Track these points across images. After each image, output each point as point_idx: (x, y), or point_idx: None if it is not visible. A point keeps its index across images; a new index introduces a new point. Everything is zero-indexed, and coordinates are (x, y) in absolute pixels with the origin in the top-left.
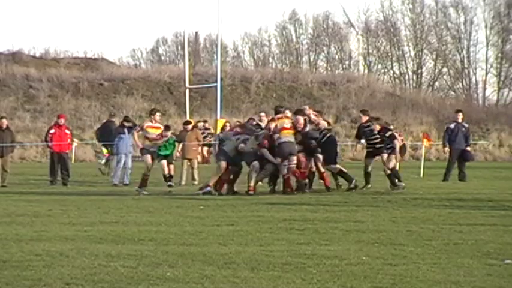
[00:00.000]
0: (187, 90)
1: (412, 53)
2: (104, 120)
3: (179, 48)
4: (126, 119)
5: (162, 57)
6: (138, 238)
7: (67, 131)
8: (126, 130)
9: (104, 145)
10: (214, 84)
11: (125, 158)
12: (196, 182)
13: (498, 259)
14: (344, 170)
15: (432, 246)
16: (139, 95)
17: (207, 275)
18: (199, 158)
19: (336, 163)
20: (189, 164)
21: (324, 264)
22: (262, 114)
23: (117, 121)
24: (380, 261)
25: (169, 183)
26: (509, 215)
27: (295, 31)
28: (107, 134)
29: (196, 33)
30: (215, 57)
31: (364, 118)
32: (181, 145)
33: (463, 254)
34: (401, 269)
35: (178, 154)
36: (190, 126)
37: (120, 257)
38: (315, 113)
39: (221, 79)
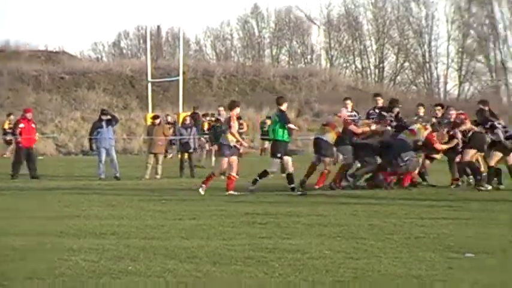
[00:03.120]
0: (149, 84)
1: (374, 47)
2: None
3: (141, 41)
4: (103, 112)
5: (124, 51)
6: (99, 232)
7: (33, 125)
8: (104, 124)
9: None
10: (177, 78)
11: (106, 152)
12: (158, 177)
13: (459, 252)
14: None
15: (394, 240)
16: (101, 88)
17: (169, 269)
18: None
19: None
20: (154, 158)
21: (286, 258)
22: (221, 108)
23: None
24: (342, 255)
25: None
26: (470, 209)
27: (257, 25)
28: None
29: (158, 26)
30: (177, 50)
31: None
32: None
33: (424, 248)
34: (363, 263)
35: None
36: (158, 121)
37: (81, 251)
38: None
39: (183, 73)
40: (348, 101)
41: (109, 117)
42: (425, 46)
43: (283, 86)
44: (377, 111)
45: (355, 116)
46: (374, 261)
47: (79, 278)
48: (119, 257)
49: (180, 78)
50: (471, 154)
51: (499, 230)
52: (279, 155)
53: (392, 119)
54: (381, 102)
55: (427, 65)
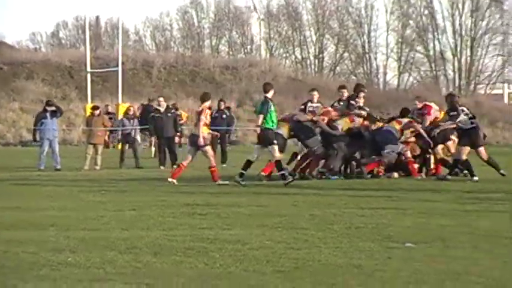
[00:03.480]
0: (88, 75)
1: (314, 38)
2: (145, 103)
3: (80, 32)
4: (48, 103)
5: (63, 41)
6: (39, 223)
7: None
8: (48, 115)
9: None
10: (116, 69)
11: (49, 144)
12: (98, 167)
13: (399, 242)
14: None
15: (334, 230)
16: (40, 79)
17: (108, 260)
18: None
19: None
20: (94, 149)
21: (227, 249)
22: (161, 98)
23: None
24: (282, 245)
25: None
26: (410, 199)
27: (197, 15)
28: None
29: (97, 17)
30: (116, 41)
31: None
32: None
33: (364, 238)
34: (304, 253)
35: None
36: (97, 112)
37: (21, 243)
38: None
39: (122, 63)
40: (315, 92)
41: (54, 108)
42: (365, 36)
43: (223, 77)
44: (341, 103)
45: (320, 107)
46: (314, 251)
47: (19, 270)
48: (58, 248)
49: (119, 68)
50: (466, 151)
51: (438, 219)
52: (275, 141)
53: (361, 105)
54: (346, 94)
55: (367, 56)
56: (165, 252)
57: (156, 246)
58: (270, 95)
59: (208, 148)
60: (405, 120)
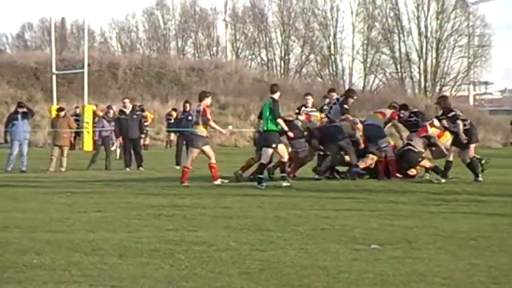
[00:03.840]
0: (54, 76)
1: (280, 40)
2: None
3: (45, 33)
4: (20, 104)
5: (28, 43)
6: (3, 225)
7: None
8: (19, 116)
9: None
10: (81, 70)
11: (19, 145)
12: (63, 169)
13: (364, 244)
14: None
15: (299, 232)
16: (5, 80)
17: (74, 262)
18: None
19: None
20: (59, 150)
21: (193, 251)
22: (126, 100)
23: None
24: (248, 247)
25: None
26: (375, 200)
27: (163, 17)
28: None
29: (63, 18)
30: (82, 42)
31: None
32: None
33: (329, 239)
34: (269, 255)
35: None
36: (63, 113)
37: None
38: None
39: (88, 65)
40: (309, 97)
41: (25, 110)
42: (331, 38)
43: (189, 78)
44: (331, 106)
45: (315, 111)
46: (280, 252)
47: None
48: (23, 250)
49: (85, 70)
50: (473, 150)
51: (403, 221)
52: (273, 146)
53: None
54: (335, 97)
55: (333, 57)
56: (130, 254)
57: (121, 248)
58: (276, 96)
59: (207, 147)
60: (388, 112)
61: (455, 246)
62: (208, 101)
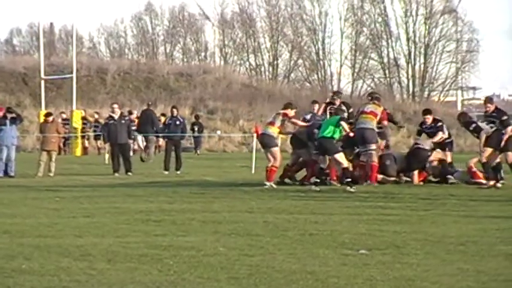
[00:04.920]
0: (42, 81)
1: (268, 45)
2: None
3: (34, 39)
4: (8, 109)
5: (17, 48)
6: None
7: None
8: (8, 121)
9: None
10: (70, 76)
11: (7, 150)
12: (52, 174)
13: (353, 249)
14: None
15: (288, 237)
16: None
17: (62, 267)
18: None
19: None
20: (47, 155)
21: (181, 256)
22: (115, 105)
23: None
24: (237, 252)
25: None
26: (363, 205)
27: (151, 22)
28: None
29: (51, 24)
30: (71, 48)
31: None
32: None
33: (318, 244)
34: (258, 260)
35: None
36: (51, 118)
37: None
38: None
39: (77, 70)
40: (316, 105)
41: (14, 115)
42: (319, 43)
43: (178, 84)
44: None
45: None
46: (269, 257)
47: None
48: (12, 255)
49: (74, 75)
50: (489, 153)
51: (392, 226)
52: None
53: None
54: (338, 102)
55: (321, 62)
56: (119, 259)
57: (110, 253)
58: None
59: (277, 149)
60: (379, 110)
61: (444, 251)
62: (291, 112)
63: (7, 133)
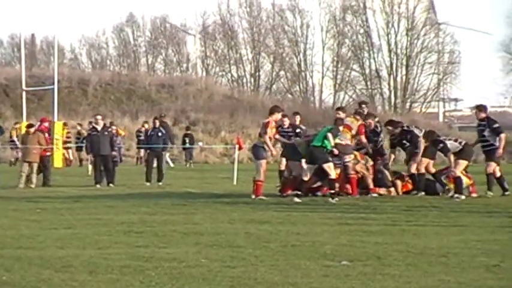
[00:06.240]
0: (23, 93)
1: (250, 56)
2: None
3: (15, 50)
4: None
5: None
6: None
7: None
8: None
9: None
10: (51, 87)
11: None
12: (33, 186)
13: (335, 260)
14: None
15: (270, 248)
16: None
17: (44, 279)
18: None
19: None
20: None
21: (163, 267)
22: (99, 117)
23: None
24: (218, 264)
25: None
26: (345, 217)
27: (133, 33)
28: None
29: (33, 35)
30: (52, 59)
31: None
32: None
33: (300, 256)
34: (240, 271)
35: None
36: (32, 130)
37: None
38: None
39: (58, 81)
40: (297, 116)
41: None
42: (301, 55)
43: (159, 95)
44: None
45: (303, 130)
46: (251, 269)
47: None
48: None
49: (55, 86)
50: (463, 166)
51: (373, 237)
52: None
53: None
54: (343, 115)
55: (303, 74)
56: (101, 271)
57: (91, 265)
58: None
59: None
60: (355, 125)
61: (426, 262)
62: (277, 116)
63: None
